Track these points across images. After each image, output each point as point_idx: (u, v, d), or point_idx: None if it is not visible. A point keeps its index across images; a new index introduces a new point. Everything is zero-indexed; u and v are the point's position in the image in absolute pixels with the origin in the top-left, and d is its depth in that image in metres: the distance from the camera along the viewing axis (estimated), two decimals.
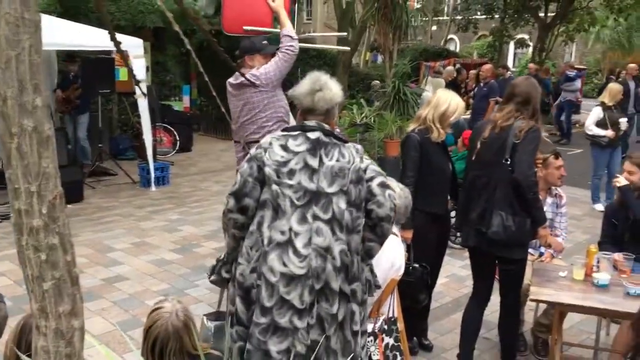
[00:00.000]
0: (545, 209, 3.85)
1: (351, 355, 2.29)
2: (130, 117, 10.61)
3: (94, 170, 8.57)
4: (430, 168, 3.61)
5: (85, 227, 6.29)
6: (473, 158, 3.37)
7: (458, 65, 15.24)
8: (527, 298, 3.43)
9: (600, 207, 7.13)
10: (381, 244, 2.40)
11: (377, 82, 13.24)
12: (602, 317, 3.74)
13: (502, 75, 11.67)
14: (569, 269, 3.41)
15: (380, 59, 18.46)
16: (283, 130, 2.45)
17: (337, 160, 2.29)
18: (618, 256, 3.43)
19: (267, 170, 2.26)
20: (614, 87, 7.53)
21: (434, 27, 29.82)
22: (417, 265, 3.38)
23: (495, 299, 3.53)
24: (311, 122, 2.38)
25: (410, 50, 18.51)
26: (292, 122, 4.44)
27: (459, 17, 21.86)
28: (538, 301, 3.47)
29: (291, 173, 2.26)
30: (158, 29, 11.46)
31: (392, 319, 3.02)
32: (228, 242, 2.47)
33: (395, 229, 3.10)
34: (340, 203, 2.25)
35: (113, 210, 7.06)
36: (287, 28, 3.68)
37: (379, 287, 2.56)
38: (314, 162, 2.27)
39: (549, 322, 3.60)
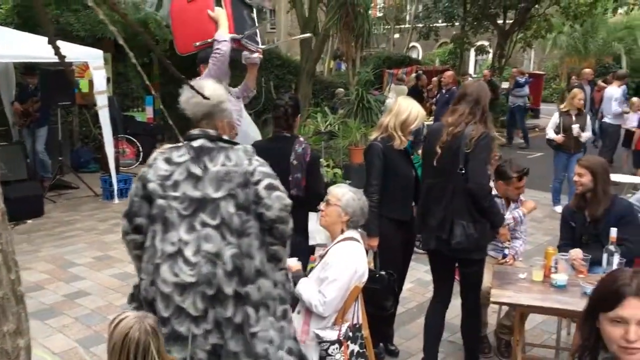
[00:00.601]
0: (506, 215, 3.93)
1: (254, 357, 2.29)
2: (92, 128, 10.42)
3: (55, 184, 8.38)
4: (394, 175, 3.64)
5: (45, 243, 6.15)
6: (435, 164, 3.38)
7: (420, 72, 15.46)
8: (489, 300, 3.49)
9: (560, 209, 7.29)
10: (283, 245, 2.39)
11: (341, 90, 13.32)
12: (563, 317, 3.82)
13: (463, 82, 11.87)
14: (529, 270, 3.48)
15: (343, 67, 18.55)
16: (171, 143, 2.45)
17: (223, 165, 2.29)
18: (574, 252, 3.50)
19: (151, 186, 2.29)
20: (572, 92, 7.77)
21: (397, 35, 30.10)
22: (383, 272, 3.40)
23: (457, 303, 3.58)
24: (195, 131, 2.39)
25: (373, 58, 18.66)
26: (254, 130, 4.43)
27: (420, 25, 22.09)
28: (499, 303, 3.53)
29: (175, 185, 2.28)
30: None
31: (357, 326, 3.02)
32: (134, 264, 2.47)
33: (357, 234, 3.11)
34: (229, 207, 2.25)
35: (75, 224, 6.92)
36: (219, 32, 3.65)
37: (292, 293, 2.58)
38: (197, 170, 2.29)
39: (511, 324, 3.67)
